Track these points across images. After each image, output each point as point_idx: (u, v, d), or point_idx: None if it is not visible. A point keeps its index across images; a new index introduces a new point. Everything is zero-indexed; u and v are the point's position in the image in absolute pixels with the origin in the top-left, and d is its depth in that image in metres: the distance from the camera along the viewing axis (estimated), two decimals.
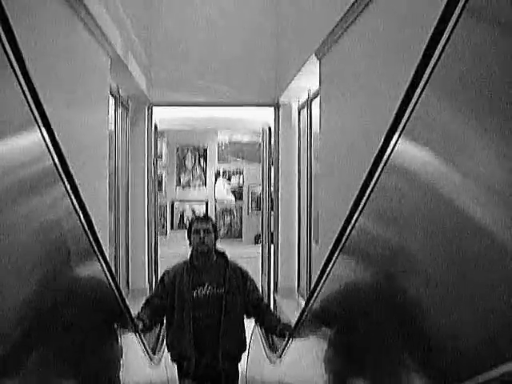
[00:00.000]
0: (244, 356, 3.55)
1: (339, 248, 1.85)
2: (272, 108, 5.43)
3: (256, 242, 8.06)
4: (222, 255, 3.33)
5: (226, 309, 3.20)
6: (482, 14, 1.00)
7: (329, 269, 2.03)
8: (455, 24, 1.02)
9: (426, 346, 1.20)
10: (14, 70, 1.10)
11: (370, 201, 1.52)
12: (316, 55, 3.50)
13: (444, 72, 1.09)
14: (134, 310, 3.12)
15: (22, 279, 1.24)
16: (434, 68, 1.10)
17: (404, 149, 1.29)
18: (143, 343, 3.37)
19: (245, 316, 3.38)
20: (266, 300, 6.02)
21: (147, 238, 5.56)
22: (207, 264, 3.24)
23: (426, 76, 1.13)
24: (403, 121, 1.24)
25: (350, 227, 1.70)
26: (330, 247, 1.93)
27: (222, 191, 8.52)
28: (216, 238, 3.27)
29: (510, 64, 0.89)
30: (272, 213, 5.85)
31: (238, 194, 8.53)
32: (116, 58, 3.56)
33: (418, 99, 1.17)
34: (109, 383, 2.38)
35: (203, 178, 8.49)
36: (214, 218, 5.86)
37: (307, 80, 4.26)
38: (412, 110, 1.20)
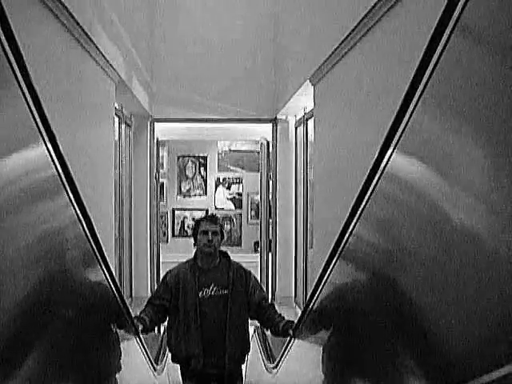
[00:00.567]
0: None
1: (336, 255, 1.89)
2: (270, 123, 5.61)
3: (255, 250, 8.23)
4: (225, 255, 3.28)
5: (231, 309, 3.16)
6: (472, 34, 1.05)
7: (326, 276, 2.07)
8: (443, 48, 1.07)
9: (425, 350, 1.21)
10: (26, 99, 1.21)
11: (367, 208, 1.57)
12: (310, 81, 3.69)
13: (432, 94, 1.15)
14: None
15: (29, 285, 1.31)
16: (421, 93, 1.17)
17: (397, 160, 1.37)
18: (146, 352, 3.50)
19: (249, 318, 3.32)
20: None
21: (149, 246, 5.76)
22: (212, 265, 3.19)
23: (413, 102, 1.21)
24: (397, 135, 1.33)
25: (347, 234, 1.75)
26: (328, 254, 1.98)
27: (222, 199, 8.70)
28: (222, 238, 3.21)
29: (499, 82, 0.92)
30: (270, 221, 6.01)
31: (237, 202, 8.72)
32: (120, 82, 3.75)
33: (407, 122, 1.26)
34: None
35: (203, 187, 8.68)
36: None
37: (303, 99, 4.45)
38: (404, 127, 1.28)
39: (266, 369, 4.09)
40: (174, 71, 5.50)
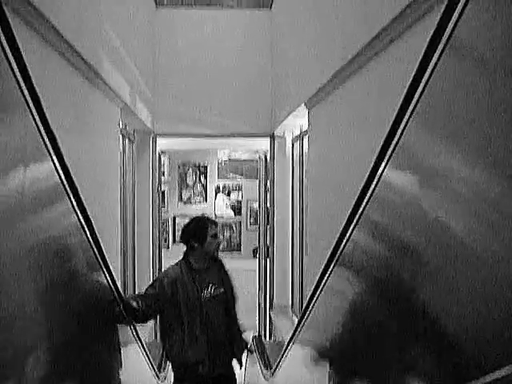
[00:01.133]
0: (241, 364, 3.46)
1: (333, 262, 1.95)
2: (268, 139, 5.83)
3: (254, 255, 8.43)
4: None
5: (227, 308, 3.21)
6: (461, 53, 1.08)
7: (322, 284, 2.13)
8: (434, 67, 1.12)
9: (424, 352, 1.22)
10: (38, 126, 1.38)
11: (364, 215, 1.63)
12: (306, 105, 3.89)
13: (420, 118, 1.22)
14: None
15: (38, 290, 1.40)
16: (411, 113, 1.25)
17: (389, 172, 1.46)
18: (149, 359, 3.65)
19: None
20: (258, 315, 6.29)
21: (152, 252, 5.98)
22: (206, 265, 3.20)
23: (404, 121, 1.30)
24: (389, 150, 1.43)
25: (344, 241, 1.80)
26: (325, 262, 2.04)
27: (222, 206, 8.91)
28: None
29: (488, 99, 0.96)
30: (268, 227, 6.19)
31: (237, 209, 8.92)
32: (125, 106, 3.96)
33: (397, 141, 1.36)
34: None
35: (204, 194, 8.89)
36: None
37: (299, 120, 4.65)
38: (396, 144, 1.38)
39: (264, 376, 4.28)
40: (176, 90, 5.70)
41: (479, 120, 1.01)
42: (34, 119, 1.36)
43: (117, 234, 3.92)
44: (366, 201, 1.62)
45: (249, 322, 6.43)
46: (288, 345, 3.33)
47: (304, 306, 2.60)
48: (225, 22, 5.83)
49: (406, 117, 1.27)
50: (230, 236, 8.90)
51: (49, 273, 1.53)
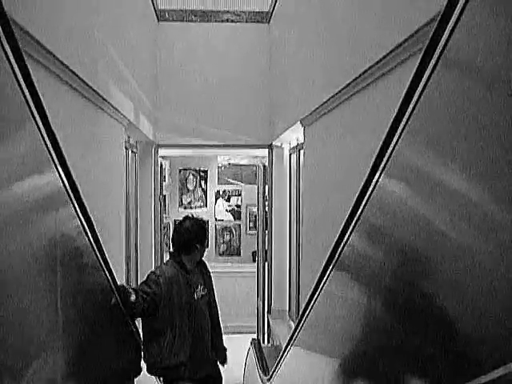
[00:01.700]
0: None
1: (331, 266, 1.96)
2: (266, 149, 6.02)
3: (253, 259, 8.62)
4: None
5: (211, 309, 3.29)
6: (454, 68, 1.09)
7: (319, 289, 2.17)
8: (426, 81, 1.13)
9: (422, 356, 1.21)
10: (46, 142, 1.47)
11: (361, 219, 1.65)
12: (301, 123, 4.08)
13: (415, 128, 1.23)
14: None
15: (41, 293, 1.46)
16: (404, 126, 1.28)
17: (383, 181, 1.47)
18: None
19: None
20: (256, 320, 6.43)
21: (153, 255, 6.17)
22: (195, 266, 3.29)
23: (396, 135, 1.33)
24: (383, 162, 1.44)
25: (341, 245, 1.82)
26: (323, 264, 2.06)
27: (222, 211, 9.10)
28: None
29: (481, 113, 0.96)
30: (266, 232, 6.35)
31: (236, 213, 9.11)
32: (129, 124, 4.15)
33: (390, 153, 1.38)
34: None
35: (204, 199, 9.07)
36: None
37: (296, 133, 4.84)
38: (390, 154, 1.40)
39: (261, 381, 4.42)
40: (177, 103, 5.89)
41: (474, 137, 1.02)
42: (44, 138, 1.48)
43: (122, 239, 4.12)
44: (356, 210, 1.66)
45: (248, 326, 6.55)
46: (285, 350, 3.43)
47: (301, 311, 2.63)
48: (225, 36, 6.02)
49: (398, 132, 1.32)
50: (230, 240, 9.08)
51: (58, 276, 1.62)
